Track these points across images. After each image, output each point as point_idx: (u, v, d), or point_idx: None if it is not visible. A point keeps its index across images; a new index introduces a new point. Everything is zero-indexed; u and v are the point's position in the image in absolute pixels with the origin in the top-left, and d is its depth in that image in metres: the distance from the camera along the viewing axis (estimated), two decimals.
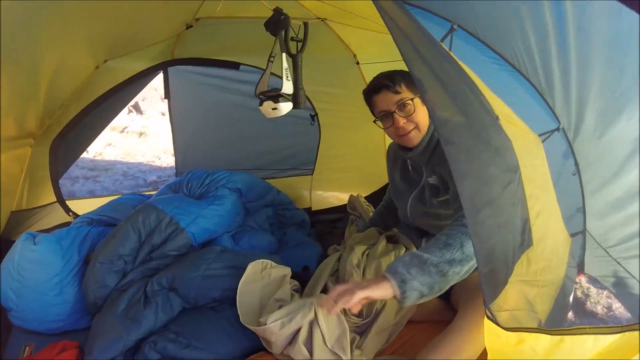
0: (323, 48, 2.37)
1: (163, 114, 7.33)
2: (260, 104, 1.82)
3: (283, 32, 1.80)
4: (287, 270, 1.91)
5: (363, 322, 1.73)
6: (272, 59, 1.77)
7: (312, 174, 3.49)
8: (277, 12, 1.78)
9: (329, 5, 2.13)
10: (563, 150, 1.08)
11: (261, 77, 1.80)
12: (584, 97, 0.98)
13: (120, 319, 1.73)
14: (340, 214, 3.41)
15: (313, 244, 2.64)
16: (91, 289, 1.92)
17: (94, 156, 5.59)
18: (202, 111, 3.45)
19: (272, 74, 1.79)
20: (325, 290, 1.85)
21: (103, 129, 2.97)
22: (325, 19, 2.61)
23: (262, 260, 1.89)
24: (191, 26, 2.50)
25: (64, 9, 1.62)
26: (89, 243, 2.14)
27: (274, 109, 1.79)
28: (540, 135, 1.09)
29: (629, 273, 1.10)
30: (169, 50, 2.83)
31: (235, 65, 3.04)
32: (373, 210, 2.97)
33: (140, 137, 6.47)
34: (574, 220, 1.08)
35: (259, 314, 1.69)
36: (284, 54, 1.78)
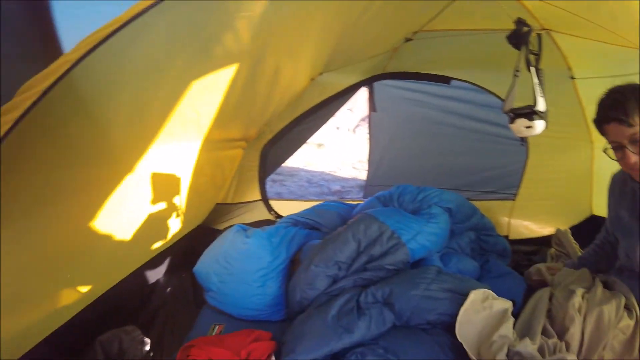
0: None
1: (338, 128, 7.86)
2: (512, 122, 1.83)
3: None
4: (509, 304, 1.82)
5: None
6: (517, 73, 1.79)
7: (513, 199, 3.31)
8: (521, 23, 1.79)
9: (561, 10, 2.02)
10: None
11: (509, 94, 1.81)
12: None
13: (331, 324, 1.82)
14: (536, 246, 3.19)
15: (517, 276, 2.49)
16: (300, 288, 2.07)
17: None
18: (399, 126, 3.57)
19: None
20: (544, 332, 1.75)
21: (307, 139, 3.32)
22: (550, 29, 2.48)
23: (483, 289, 1.85)
24: (410, 39, 2.60)
25: (311, 20, 1.80)
26: (296, 243, 2.36)
27: (528, 127, 1.80)
28: None
29: None
30: (382, 64, 2.97)
31: (446, 80, 3.06)
32: (579, 248, 2.72)
33: (319, 148, 7.04)
34: None
35: (477, 346, 1.66)
36: (532, 69, 1.78)
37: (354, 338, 1.77)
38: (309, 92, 2.84)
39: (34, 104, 0.97)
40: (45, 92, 0.98)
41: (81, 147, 1.49)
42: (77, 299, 1.84)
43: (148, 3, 1.07)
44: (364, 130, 7.59)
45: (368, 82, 3.04)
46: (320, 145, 7.10)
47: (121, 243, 1.93)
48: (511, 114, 1.83)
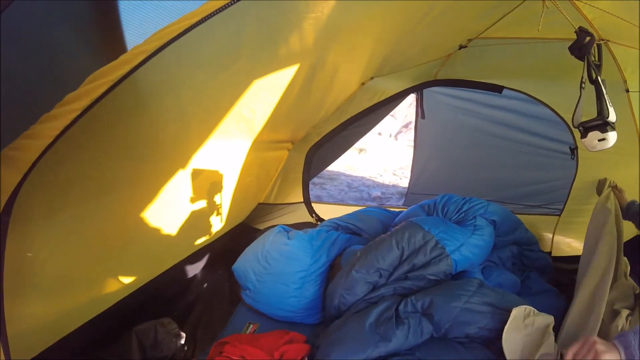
0: None
1: (379, 134, 7.85)
2: (584, 136, 1.77)
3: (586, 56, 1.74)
4: (551, 320, 1.80)
5: None
6: (583, 85, 1.73)
7: (559, 215, 3.18)
8: (583, 32, 1.73)
9: (619, 20, 1.91)
10: None
11: (577, 107, 1.75)
12: None
13: (368, 331, 1.81)
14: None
15: (558, 294, 2.46)
16: (339, 293, 2.05)
17: None
18: (445, 134, 3.50)
19: None
20: None
21: (353, 144, 3.30)
22: (608, 40, 2.38)
23: (525, 306, 1.81)
24: (465, 46, 2.54)
25: (372, 23, 1.77)
26: (337, 248, 2.35)
27: (601, 140, 1.72)
28: None
29: None
30: (432, 71, 2.93)
31: (498, 89, 2.98)
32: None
33: (360, 153, 7.04)
34: None
35: None
36: (599, 79, 1.72)
37: (390, 347, 1.76)
38: (358, 97, 2.83)
39: (106, 93, 0.98)
40: (119, 81, 0.98)
41: (138, 143, 1.52)
42: (120, 287, 1.89)
43: (222, 3, 1.05)
44: (406, 136, 7.59)
45: (418, 88, 3.00)
46: (361, 150, 7.11)
47: (168, 236, 1.97)
48: (581, 128, 1.76)
